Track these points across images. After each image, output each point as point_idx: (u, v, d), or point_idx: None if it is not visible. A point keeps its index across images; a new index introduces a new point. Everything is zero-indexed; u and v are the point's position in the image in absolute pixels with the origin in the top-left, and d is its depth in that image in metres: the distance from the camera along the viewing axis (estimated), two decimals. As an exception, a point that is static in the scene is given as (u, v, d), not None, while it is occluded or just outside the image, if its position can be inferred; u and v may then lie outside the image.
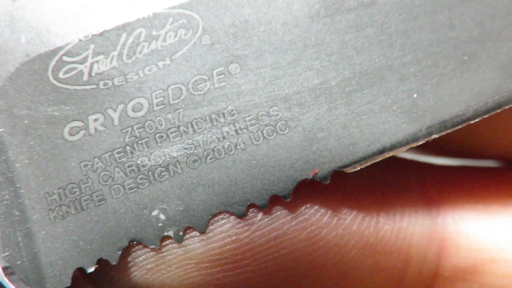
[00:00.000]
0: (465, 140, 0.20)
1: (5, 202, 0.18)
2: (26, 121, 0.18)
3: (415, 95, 0.19)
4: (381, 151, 0.18)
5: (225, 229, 0.18)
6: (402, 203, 0.19)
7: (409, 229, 0.18)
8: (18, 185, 0.18)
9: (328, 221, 0.18)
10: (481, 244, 0.19)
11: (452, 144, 0.21)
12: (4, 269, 0.16)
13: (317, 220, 0.18)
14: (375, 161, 0.18)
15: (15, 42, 0.18)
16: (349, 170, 0.18)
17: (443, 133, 0.19)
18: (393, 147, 0.19)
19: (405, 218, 0.18)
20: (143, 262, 0.18)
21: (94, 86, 0.18)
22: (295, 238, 0.17)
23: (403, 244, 0.18)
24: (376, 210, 0.18)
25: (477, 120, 0.19)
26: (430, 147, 0.20)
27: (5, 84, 0.18)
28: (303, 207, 0.18)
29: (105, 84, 0.18)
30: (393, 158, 0.18)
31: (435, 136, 0.19)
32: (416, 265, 0.19)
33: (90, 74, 0.18)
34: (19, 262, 0.17)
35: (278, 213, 0.18)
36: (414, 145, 0.19)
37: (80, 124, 0.18)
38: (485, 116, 0.19)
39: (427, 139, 0.19)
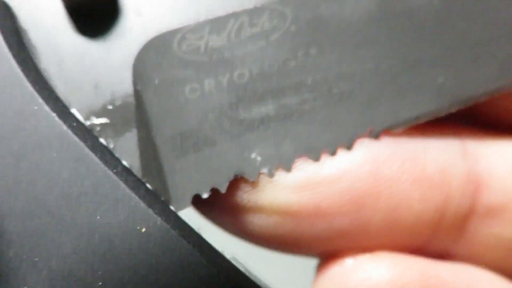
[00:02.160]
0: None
1: (142, 141, 0.23)
2: (157, 81, 0.23)
3: (439, 80, 0.26)
4: (416, 118, 0.25)
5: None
6: (442, 149, 0.25)
7: (451, 170, 0.25)
8: (151, 129, 0.23)
9: (386, 158, 0.24)
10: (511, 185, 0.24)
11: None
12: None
13: (378, 157, 0.24)
14: (412, 125, 0.25)
15: (151, 20, 0.24)
16: (393, 130, 0.25)
17: (459, 108, 0.26)
18: (425, 115, 0.25)
19: (447, 161, 0.25)
20: (245, 188, 0.23)
21: (208, 58, 0.24)
22: (360, 172, 0.24)
23: (445, 183, 0.24)
24: (424, 153, 0.25)
25: (483, 99, 0.26)
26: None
27: (141, 51, 0.23)
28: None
29: (217, 57, 0.24)
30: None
31: (453, 110, 0.26)
32: (455, 201, 0.24)
33: (206, 49, 0.24)
34: (154, 186, 0.23)
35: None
36: (439, 116, 0.25)
37: (197, 85, 0.24)
38: (489, 97, 0.26)
39: (449, 111, 0.25)
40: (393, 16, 0.25)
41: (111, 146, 0.22)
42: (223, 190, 0.23)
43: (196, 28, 0.24)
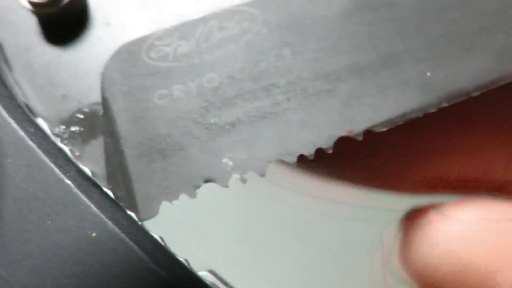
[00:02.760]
0: None
1: (108, 148, 0.23)
2: (125, 88, 0.23)
3: (428, 74, 0.24)
4: (401, 116, 0.23)
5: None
6: None
7: None
8: (118, 136, 0.23)
9: None
10: None
11: None
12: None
13: None
14: (398, 123, 0.23)
15: (120, 29, 0.24)
16: (377, 129, 0.23)
17: (451, 103, 0.24)
18: (412, 112, 0.24)
19: None
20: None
21: (177, 64, 0.23)
22: None
23: None
24: None
25: (477, 93, 0.24)
26: None
27: (110, 60, 0.23)
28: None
29: (186, 62, 0.24)
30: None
31: (444, 105, 0.24)
32: None
33: (174, 55, 0.24)
34: (119, 194, 0.22)
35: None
36: (429, 111, 0.24)
37: (166, 92, 0.23)
38: (484, 90, 0.24)
39: (438, 107, 0.24)
40: (371, 10, 0.24)
41: (77, 153, 0.22)
42: (192, 196, 0.22)
43: (164, 35, 0.24)
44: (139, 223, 0.19)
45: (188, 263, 0.19)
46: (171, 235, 0.22)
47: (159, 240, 0.20)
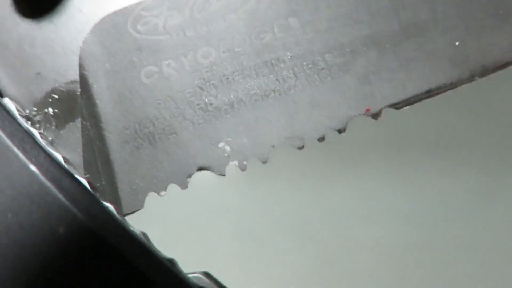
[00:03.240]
0: None
1: (87, 132, 0.20)
2: (107, 65, 0.20)
3: (457, 43, 0.20)
4: (427, 92, 0.20)
5: None
6: None
7: None
8: (99, 119, 0.20)
9: None
10: None
11: None
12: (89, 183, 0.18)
13: None
14: (422, 99, 0.20)
15: None
16: (399, 108, 0.20)
17: (484, 76, 0.20)
18: (438, 88, 0.20)
19: None
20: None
21: (167, 37, 0.20)
22: None
23: None
24: None
25: (515, 65, 0.20)
26: None
27: (90, 33, 0.20)
28: None
29: (177, 34, 0.20)
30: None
31: (477, 78, 0.20)
32: None
33: (164, 26, 0.21)
34: (98, 185, 0.19)
35: None
36: (459, 87, 0.20)
37: (154, 68, 0.20)
38: (523, 62, 0.20)
39: (470, 81, 0.20)
40: None
41: (50, 138, 0.19)
42: (183, 187, 0.19)
43: (153, 4, 0.21)
44: (118, 217, 0.16)
45: (175, 264, 0.16)
46: (159, 232, 0.19)
47: (142, 237, 0.16)
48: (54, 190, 0.16)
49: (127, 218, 0.18)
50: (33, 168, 0.16)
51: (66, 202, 0.16)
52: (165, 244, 0.19)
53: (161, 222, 0.19)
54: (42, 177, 0.16)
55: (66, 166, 0.17)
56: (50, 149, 0.17)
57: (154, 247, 0.17)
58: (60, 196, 0.16)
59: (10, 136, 0.17)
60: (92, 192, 0.17)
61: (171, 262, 0.16)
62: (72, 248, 0.15)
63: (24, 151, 0.16)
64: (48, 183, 0.16)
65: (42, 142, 0.17)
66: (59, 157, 0.18)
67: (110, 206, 0.17)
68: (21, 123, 0.17)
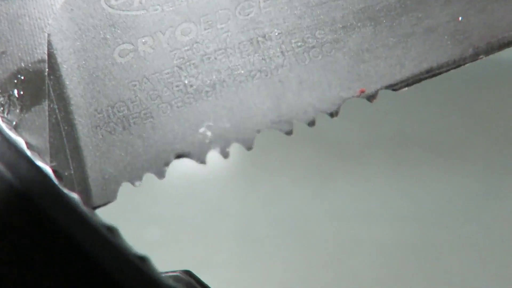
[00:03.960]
0: None
1: (55, 116, 0.18)
2: (78, 43, 0.19)
3: (460, 18, 0.19)
4: (428, 71, 0.19)
5: None
6: None
7: None
8: (68, 102, 0.18)
9: None
10: None
11: None
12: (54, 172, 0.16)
13: None
14: (423, 80, 0.18)
15: None
16: (397, 89, 0.18)
17: (490, 54, 0.19)
18: (440, 67, 0.19)
19: None
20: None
21: (144, 12, 0.19)
22: None
23: None
24: None
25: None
26: None
27: (60, 8, 0.19)
28: None
29: (154, 9, 0.19)
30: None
31: (482, 57, 0.19)
32: None
33: (140, 1, 0.19)
34: (66, 174, 0.17)
35: None
36: (462, 65, 0.19)
37: (130, 46, 0.19)
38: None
39: (474, 60, 0.19)
40: None
41: (14, 122, 0.18)
42: (161, 176, 0.18)
43: (129, -23, 0.19)
44: (82, 209, 0.15)
45: (147, 261, 0.14)
46: (134, 227, 0.18)
47: (109, 232, 0.15)
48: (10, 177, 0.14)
49: (98, 211, 0.17)
50: None
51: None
52: (140, 241, 0.17)
53: (136, 216, 0.18)
54: None
55: (23, 149, 0.15)
56: (6, 130, 0.16)
57: (123, 241, 0.15)
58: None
59: None
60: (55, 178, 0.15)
61: (142, 258, 0.14)
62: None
63: None
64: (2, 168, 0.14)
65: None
66: (21, 142, 0.16)
67: (73, 194, 0.15)
68: None
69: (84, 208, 0.14)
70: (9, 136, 0.15)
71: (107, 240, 0.14)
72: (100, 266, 0.14)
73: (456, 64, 0.19)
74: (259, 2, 0.19)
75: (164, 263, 0.17)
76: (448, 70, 0.19)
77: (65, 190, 0.14)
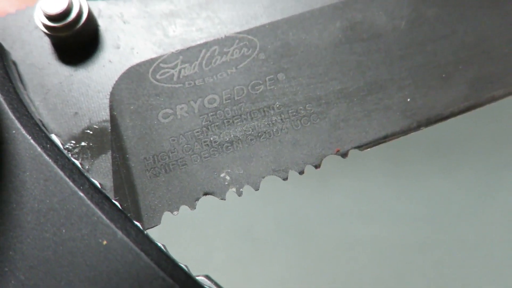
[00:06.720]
0: None
1: (116, 162, 0.24)
2: (132, 107, 0.25)
3: (408, 100, 0.26)
4: (384, 137, 0.26)
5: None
6: None
7: None
8: (125, 152, 0.25)
9: None
10: None
11: None
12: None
13: None
14: (381, 143, 0.26)
15: (129, 52, 0.26)
16: (362, 149, 0.26)
17: (429, 127, 0.26)
18: (393, 135, 0.26)
19: None
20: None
21: (181, 85, 0.26)
22: None
23: None
24: None
25: (452, 118, 0.26)
26: None
27: (118, 80, 0.25)
28: None
29: (189, 84, 0.26)
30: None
31: (423, 128, 0.26)
32: None
33: (178, 77, 0.26)
34: (125, 205, 0.24)
35: None
36: (408, 134, 0.26)
37: (170, 111, 0.25)
38: (459, 116, 0.26)
39: (417, 130, 0.26)
40: (359, 41, 0.26)
41: (86, 167, 0.24)
42: (192, 208, 0.24)
43: (170, 58, 0.26)
44: (145, 232, 0.21)
45: (188, 269, 0.21)
46: (172, 243, 0.24)
47: (162, 248, 0.22)
48: (98, 211, 0.21)
49: (148, 231, 0.23)
50: (81, 194, 0.21)
51: (107, 221, 0.21)
52: (175, 253, 0.24)
53: (175, 236, 0.24)
54: (88, 201, 0.21)
55: (104, 191, 0.22)
56: (91, 178, 0.22)
57: (172, 257, 0.22)
58: (103, 216, 0.21)
59: (62, 168, 0.21)
60: (125, 213, 0.22)
61: (186, 267, 0.21)
62: (113, 256, 0.20)
63: (73, 180, 0.21)
64: (93, 206, 0.21)
65: (85, 172, 0.22)
66: (96, 183, 0.23)
67: (138, 224, 0.22)
68: (68, 156, 0.22)
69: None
70: (111, 199, 0.21)
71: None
72: None
73: (404, 133, 0.26)
74: (266, 81, 0.26)
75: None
76: (398, 137, 0.26)
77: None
